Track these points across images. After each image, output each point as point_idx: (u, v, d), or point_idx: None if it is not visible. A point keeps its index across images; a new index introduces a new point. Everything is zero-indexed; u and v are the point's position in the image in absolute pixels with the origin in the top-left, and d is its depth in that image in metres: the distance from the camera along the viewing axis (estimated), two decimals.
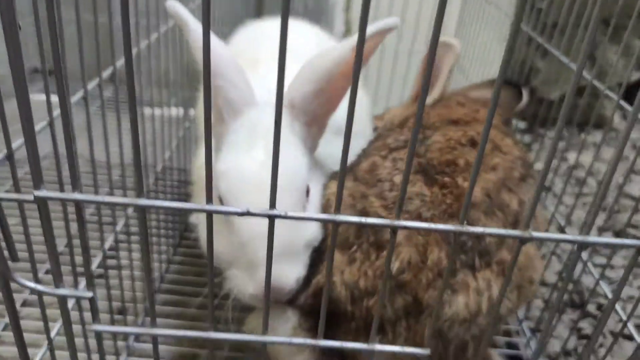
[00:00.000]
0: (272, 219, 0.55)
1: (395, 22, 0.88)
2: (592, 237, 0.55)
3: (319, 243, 0.94)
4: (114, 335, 1.10)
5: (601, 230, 1.35)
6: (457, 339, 0.87)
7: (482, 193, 0.91)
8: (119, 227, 1.11)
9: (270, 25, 1.41)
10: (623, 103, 1.10)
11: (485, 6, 1.96)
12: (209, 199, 0.55)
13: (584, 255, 1.17)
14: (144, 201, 0.54)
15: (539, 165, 2.03)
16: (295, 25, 1.45)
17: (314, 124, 0.97)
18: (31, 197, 0.56)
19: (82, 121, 0.86)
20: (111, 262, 1.28)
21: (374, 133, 1.26)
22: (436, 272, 0.84)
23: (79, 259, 0.75)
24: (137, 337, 1.21)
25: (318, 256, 0.93)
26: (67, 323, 0.64)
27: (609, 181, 0.54)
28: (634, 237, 1.79)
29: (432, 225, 0.55)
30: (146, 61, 1.15)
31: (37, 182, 0.55)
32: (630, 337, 0.95)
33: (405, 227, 0.55)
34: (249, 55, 1.19)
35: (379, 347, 0.64)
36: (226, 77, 0.88)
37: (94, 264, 0.98)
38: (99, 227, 0.97)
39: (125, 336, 1.22)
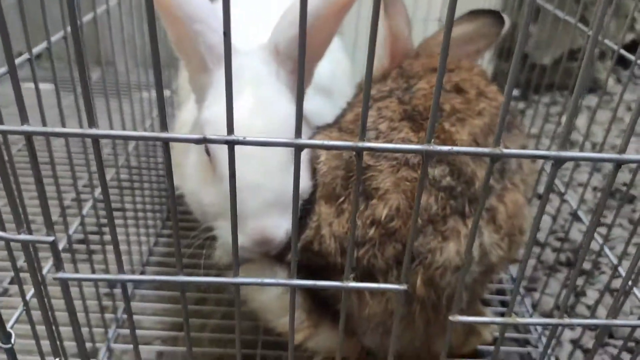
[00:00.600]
0: (231, 144, 0.53)
1: None
2: (567, 152, 0.53)
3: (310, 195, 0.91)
4: (103, 314, 1.09)
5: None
6: (450, 287, 0.85)
7: (470, 138, 0.89)
8: (97, 193, 1.08)
9: None
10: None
11: None
12: (164, 128, 0.53)
13: (574, 202, 1.15)
14: (94, 130, 0.52)
15: (534, 130, 2.00)
16: None
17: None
18: None
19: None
20: (95, 238, 1.28)
21: (356, 87, 1.24)
22: (426, 218, 0.83)
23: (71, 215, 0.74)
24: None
25: (305, 210, 0.91)
26: (31, 269, 0.62)
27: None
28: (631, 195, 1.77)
29: (399, 146, 0.53)
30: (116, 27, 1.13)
31: None
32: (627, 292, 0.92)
33: (369, 149, 0.52)
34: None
35: (352, 284, 0.62)
36: (205, 21, 0.85)
37: (72, 229, 0.96)
38: (75, 196, 0.95)
39: (114, 309, 1.21)
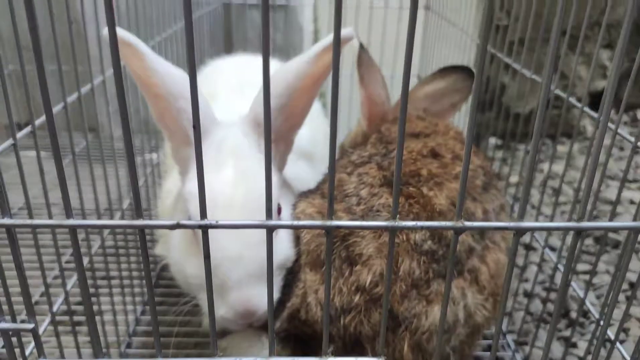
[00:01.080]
0: (204, 228, 0.55)
1: (350, 33, 0.90)
2: (527, 223, 0.55)
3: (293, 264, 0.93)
4: None
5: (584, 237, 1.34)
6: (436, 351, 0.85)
7: (448, 202, 0.91)
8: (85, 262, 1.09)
9: (225, 63, 1.46)
10: (588, 110, 1.12)
11: (447, 26, 2.01)
12: (139, 215, 0.55)
13: (553, 255, 1.16)
14: (72, 221, 0.54)
15: (514, 179, 2.04)
16: (255, 61, 1.49)
17: (281, 140, 0.97)
18: None
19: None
20: (79, 308, 1.27)
21: (339, 150, 1.27)
22: (409, 282, 0.84)
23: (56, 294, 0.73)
24: None
25: (290, 279, 0.92)
26: (11, 357, 0.62)
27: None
28: (615, 241, 1.79)
29: (365, 223, 0.55)
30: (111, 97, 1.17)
31: None
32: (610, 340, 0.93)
33: (338, 227, 0.55)
34: (207, 90, 1.22)
35: (331, 359, 0.63)
36: (187, 97, 0.87)
37: (56, 305, 0.96)
38: (59, 265, 0.96)
39: None
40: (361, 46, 1.30)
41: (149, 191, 1.49)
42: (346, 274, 0.84)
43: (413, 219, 0.87)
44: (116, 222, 0.55)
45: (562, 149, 2.47)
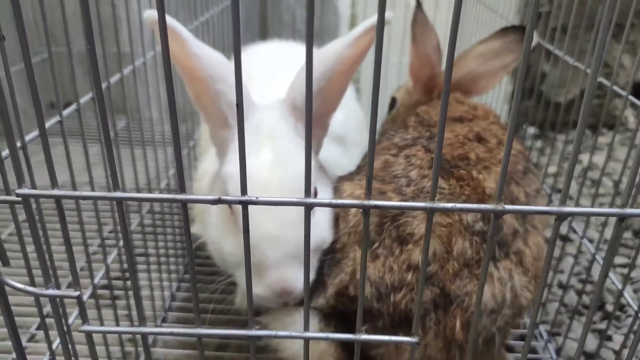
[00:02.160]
0: (245, 204, 0.56)
1: (389, 16, 0.89)
2: (569, 207, 0.54)
3: (331, 244, 0.94)
4: (123, 355, 1.11)
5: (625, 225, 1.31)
6: (485, 330, 0.87)
7: (496, 186, 0.91)
8: (122, 243, 1.12)
9: (259, 50, 1.47)
10: (633, 98, 1.08)
11: (479, 7, 1.97)
12: (182, 190, 0.56)
13: (591, 246, 1.14)
14: (119, 194, 0.56)
15: (552, 169, 2.00)
16: (288, 47, 1.50)
17: (317, 124, 0.98)
18: (15, 198, 0.58)
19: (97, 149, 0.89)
20: (119, 283, 1.31)
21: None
22: (462, 262, 0.85)
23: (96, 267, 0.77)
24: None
25: (333, 257, 0.93)
26: (58, 322, 0.65)
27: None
28: None
29: (403, 204, 0.55)
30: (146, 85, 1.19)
31: (20, 180, 0.57)
32: None
33: (376, 207, 0.55)
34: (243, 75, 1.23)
35: (364, 337, 0.63)
36: (226, 80, 0.89)
37: (97, 278, 1.00)
38: (101, 242, 0.99)
39: (137, 355, 1.23)
40: (418, 5, 1.29)
41: (184, 173, 1.52)
42: (396, 253, 0.86)
43: (465, 201, 0.88)
44: (160, 195, 0.57)
45: (601, 140, 2.40)
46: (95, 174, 0.91)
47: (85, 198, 0.56)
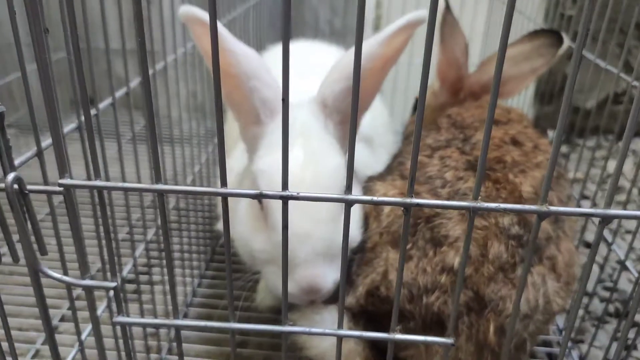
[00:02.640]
0: (285, 199, 0.56)
1: (424, 15, 0.88)
2: (614, 210, 0.54)
3: (360, 243, 0.94)
4: (148, 354, 1.12)
5: None
6: (517, 336, 0.86)
7: (532, 190, 0.91)
8: (149, 237, 1.13)
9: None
10: None
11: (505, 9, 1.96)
12: (223, 183, 0.56)
13: (621, 253, 1.12)
14: (161, 186, 0.56)
15: (578, 175, 1.97)
16: (313, 47, 1.50)
17: (348, 124, 0.97)
18: (57, 188, 0.58)
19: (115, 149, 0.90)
20: (144, 278, 1.32)
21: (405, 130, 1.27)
22: (497, 265, 0.84)
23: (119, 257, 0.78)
24: (169, 350, 1.22)
25: (362, 256, 0.93)
26: (93, 313, 0.66)
27: None
28: None
29: (446, 202, 0.55)
30: (176, 84, 1.20)
31: (62, 171, 0.57)
32: None
33: (418, 205, 0.55)
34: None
35: (399, 336, 0.63)
36: (260, 77, 0.89)
37: (125, 271, 1.01)
38: (129, 232, 1.00)
39: (158, 349, 1.24)
40: (447, 6, 1.29)
41: (210, 170, 1.52)
42: (430, 254, 0.85)
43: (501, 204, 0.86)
44: (202, 188, 0.57)
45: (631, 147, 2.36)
46: (111, 169, 0.90)
47: (129, 189, 0.56)
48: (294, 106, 0.96)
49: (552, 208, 0.53)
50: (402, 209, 0.55)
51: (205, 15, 0.88)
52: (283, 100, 0.51)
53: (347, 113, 0.96)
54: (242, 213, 0.94)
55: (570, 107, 1.58)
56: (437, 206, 0.55)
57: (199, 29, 0.90)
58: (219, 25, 0.88)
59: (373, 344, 0.92)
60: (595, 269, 1.49)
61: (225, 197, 0.57)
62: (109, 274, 0.66)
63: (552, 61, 1.31)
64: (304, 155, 0.88)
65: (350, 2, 2.33)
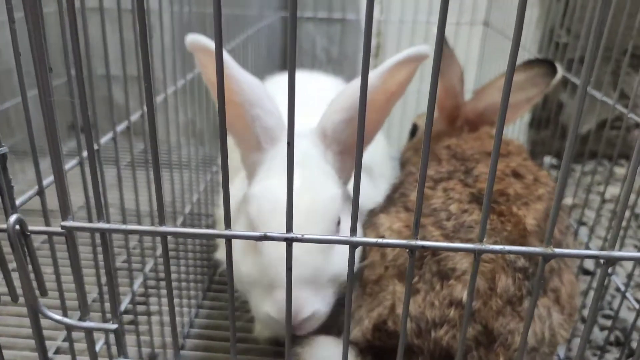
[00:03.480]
0: (289, 241, 0.56)
1: (426, 50, 0.89)
2: (617, 252, 0.54)
3: (360, 274, 0.94)
4: None
5: None
6: None
7: (535, 222, 0.91)
8: (147, 269, 1.12)
9: (283, 80, 1.49)
10: None
11: (505, 42, 1.99)
12: (228, 225, 0.56)
13: (621, 284, 1.12)
14: (164, 228, 0.56)
15: (570, 200, 1.98)
16: (310, 77, 1.52)
17: (347, 154, 0.98)
18: (59, 229, 0.58)
19: (113, 173, 0.90)
20: (140, 308, 1.31)
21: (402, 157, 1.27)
22: (505, 299, 0.84)
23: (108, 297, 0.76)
24: None
25: (362, 290, 0.93)
26: (92, 354, 0.65)
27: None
28: None
29: (450, 245, 0.55)
30: (173, 110, 1.20)
31: (64, 213, 0.57)
32: None
33: (423, 247, 0.54)
34: None
35: None
36: (262, 105, 0.90)
37: (123, 305, 0.99)
38: (128, 266, 0.99)
39: None
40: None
41: (207, 197, 1.52)
42: (437, 288, 0.85)
43: (506, 237, 0.88)
44: (206, 231, 0.57)
45: (619, 170, 2.39)
46: (110, 196, 0.89)
47: (132, 232, 0.56)
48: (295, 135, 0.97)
49: (557, 250, 0.54)
50: (407, 250, 0.55)
51: (211, 44, 0.89)
52: (288, 144, 0.51)
53: (346, 144, 0.96)
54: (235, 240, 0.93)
55: (574, 147, 1.60)
56: (443, 248, 0.54)
57: (205, 57, 0.91)
58: (225, 53, 0.89)
59: None
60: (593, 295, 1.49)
61: (229, 239, 0.56)
62: (106, 305, 0.66)
63: (547, 90, 1.34)
64: (301, 184, 0.88)
65: (347, 30, 2.36)
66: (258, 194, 0.88)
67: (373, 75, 0.91)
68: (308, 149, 0.94)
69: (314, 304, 0.85)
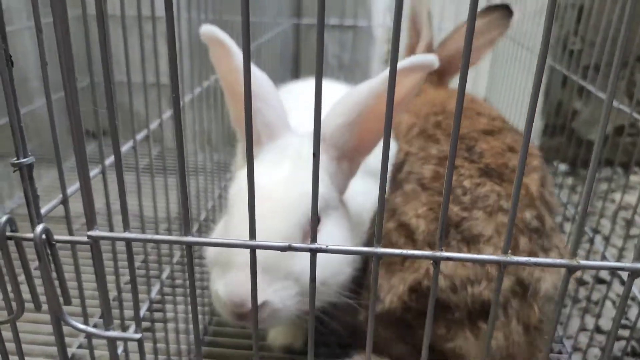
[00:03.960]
0: (314, 252, 0.56)
1: (433, 60, 0.88)
2: None
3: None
4: None
5: None
6: (546, 317, 0.93)
7: (537, 189, 1.01)
8: (164, 275, 1.13)
9: (298, 86, 1.50)
10: None
11: (518, 50, 1.98)
12: (252, 236, 0.56)
13: (637, 291, 1.11)
14: (190, 238, 0.56)
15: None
16: (326, 85, 1.53)
17: (344, 159, 0.97)
18: (84, 239, 0.59)
19: (132, 178, 0.90)
20: (157, 315, 1.31)
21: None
22: (526, 255, 0.91)
23: (126, 305, 0.77)
24: None
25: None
26: None
27: None
28: None
29: (477, 256, 0.55)
30: (190, 119, 1.21)
31: (91, 223, 0.58)
32: None
33: (448, 259, 0.54)
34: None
35: None
36: (265, 99, 0.91)
37: (141, 312, 1.00)
38: (146, 277, 1.00)
39: None
40: None
41: (222, 204, 1.53)
42: (464, 250, 0.92)
43: (521, 201, 0.98)
44: (231, 241, 0.57)
45: (634, 178, 2.37)
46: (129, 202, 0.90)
47: (158, 242, 0.56)
48: (297, 134, 0.97)
49: (582, 262, 0.53)
50: (432, 262, 0.55)
51: (226, 37, 0.90)
52: (314, 155, 0.52)
53: (343, 149, 0.95)
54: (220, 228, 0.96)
55: (601, 157, 1.60)
56: (468, 260, 0.54)
57: (218, 50, 0.92)
58: (233, 44, 0.91)
59: (403, 339, 0.96)
60: (609, 304, 1.48)
61: (253, 249, 0.57)
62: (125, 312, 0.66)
63: (506, 31, 1.53)
64: (288, 175, 0.89)
65: (359, 37, 2.36)
66: (236, 187, 0.91)
67: (374, 80, 0.90)
68: (304, 149, 0.94)
69: (265, 292, 0.80)
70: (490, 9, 1.50)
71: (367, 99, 0.90)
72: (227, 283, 0.80)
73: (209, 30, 0.90)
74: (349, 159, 0.98)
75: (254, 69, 0.91)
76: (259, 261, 0.79)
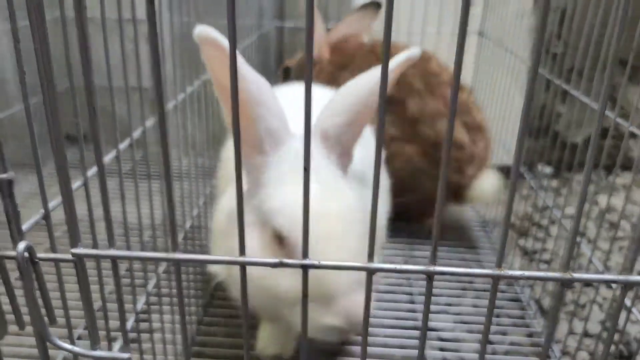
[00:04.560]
0: (305, 268, 0.55)
1: (418, 53, 0.92)
2: (636, 277, 0.53)
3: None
4: None
5: None
6: None
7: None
8: (150, 287, 1.11)
9: (284, 90, 1.48)
10: None
11: (500, 52, 2.00)
12: (242, 252, 0.55)
13: (628, 300, 1.12)
14: (178, 255, 0.55)
15: (570, 210, 1.99)
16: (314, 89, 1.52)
17: (345, 155, 0.97)
18: (69, 256, 0.57)
19: (114, 184, 0.88)
20: (143, 325, 1.28)
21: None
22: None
23: (111, 315, 0.74)
24: None
25: None
26: None
27: None
28: None
29: (469, 270, 0.54)
30: (173, 125, 1.19)
31: (74, 239, 0.56)
32: None
33: (441, 273, 0.54)
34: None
35: None
36: (267, 105, 0.87)
37: (128, 325, 0.98)
38: (131, 289, 0.97)
39: None
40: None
41: (207, 210, 1.50)
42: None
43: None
44: (219, 257, 0.56)
45: (618, 180, 2.40)
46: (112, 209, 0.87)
47: (145, 259, 0.55)
48: (299, 137, 0.95)
49: (576, 275, 0.53)
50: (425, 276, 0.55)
51: (220, 37, 0.86)
52: (305, 169, 0.51)
53: (346, 145, 0.95)
54: (253, 251, 0.88)
55: (594, 156, 1.61)
56: (459, 274, 0.54)
57: (212, 51, 0.88)
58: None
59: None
60: (596, 308, 1.49)
61: (243, 266, 0.55)
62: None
63: (375, 19, 2.04)
64: (320, 187, 0.86)
65: None
66: (283, 207, 0.85)
67: (372, 76, 0.91)
68: (314, 152, 0.90)
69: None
70: (365, 5, 2.03)
71: (369, 96, 0.91)
72: (342, 311, 0.82)
73: (203, 30, 0.85)
74: (348, 153, 0.98)
75: (251, 72, 0.87)
76: (358, 278, 0.81)
